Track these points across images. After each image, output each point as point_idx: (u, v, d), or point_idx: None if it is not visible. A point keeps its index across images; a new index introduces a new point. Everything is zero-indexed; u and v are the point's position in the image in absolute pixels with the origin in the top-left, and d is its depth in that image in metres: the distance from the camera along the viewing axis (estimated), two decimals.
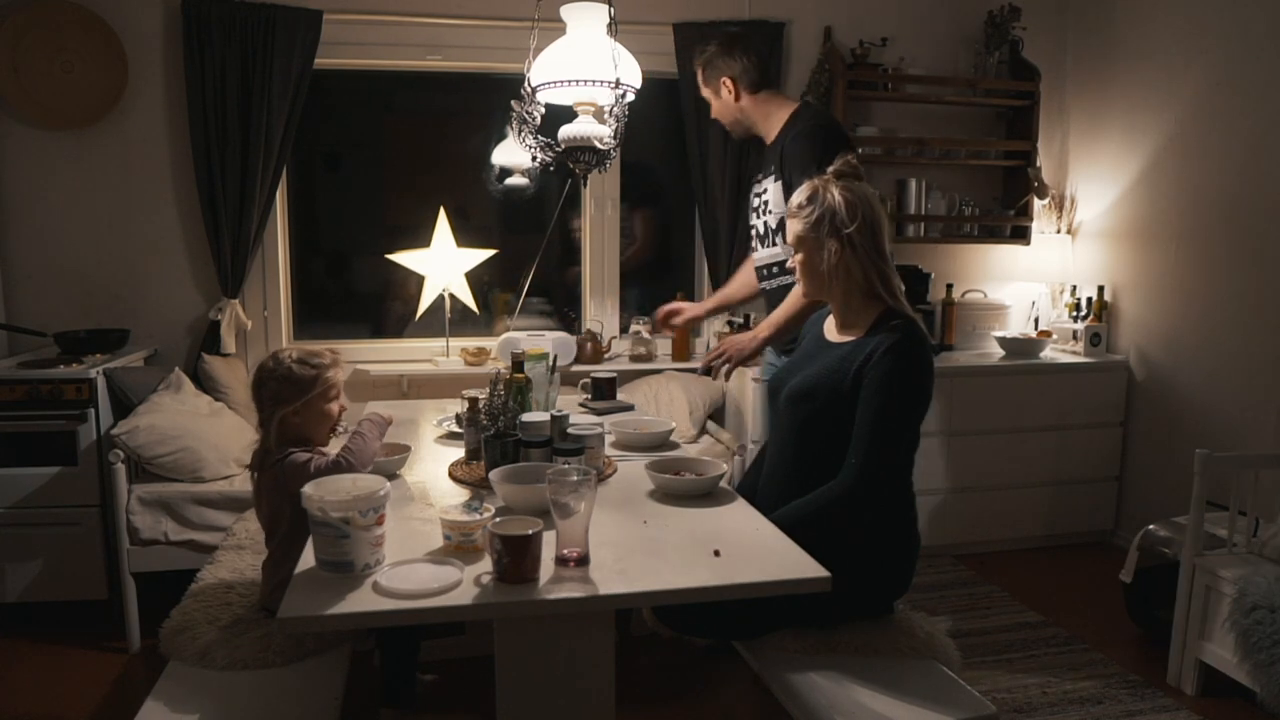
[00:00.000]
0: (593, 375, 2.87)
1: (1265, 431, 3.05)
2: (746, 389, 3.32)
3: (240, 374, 3.31)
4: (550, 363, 2.39)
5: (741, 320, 3.63)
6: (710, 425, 3.44)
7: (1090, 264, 3.87)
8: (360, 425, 1.88)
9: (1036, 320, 4.04)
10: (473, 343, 3.54)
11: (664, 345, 3.70)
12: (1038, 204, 3.91)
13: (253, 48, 3.17)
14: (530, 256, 3.63)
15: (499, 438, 1.90)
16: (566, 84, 1.98)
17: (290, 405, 1.84)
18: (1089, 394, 3.64)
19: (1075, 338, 3.78)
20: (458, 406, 2.47)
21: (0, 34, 3.03)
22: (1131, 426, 3.69)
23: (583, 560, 1.48)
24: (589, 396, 2.86)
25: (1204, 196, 3.31)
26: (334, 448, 1.87)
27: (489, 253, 3.57)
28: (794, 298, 2.31)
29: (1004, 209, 3.92)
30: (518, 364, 2.16)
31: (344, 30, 3.34)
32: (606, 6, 2.02)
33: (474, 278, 3.56)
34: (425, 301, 3.50)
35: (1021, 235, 3.91)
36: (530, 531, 1.40)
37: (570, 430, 1.97)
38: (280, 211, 3.49)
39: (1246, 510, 2.52)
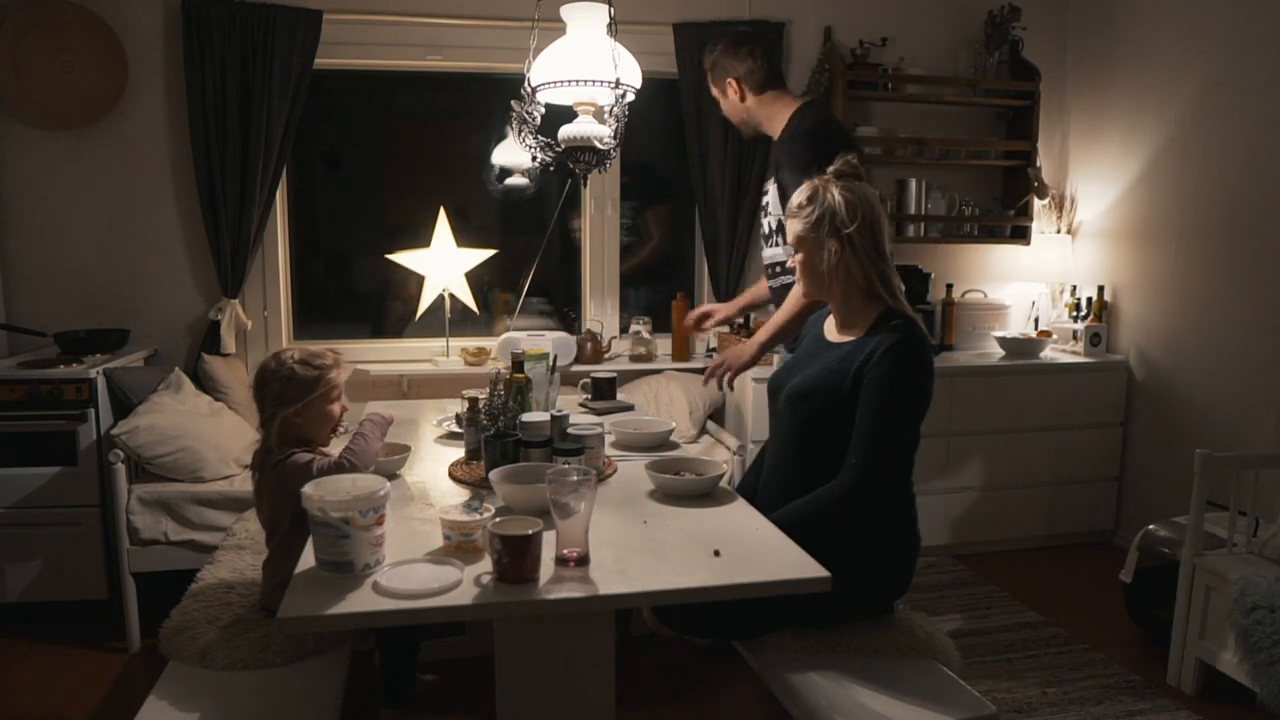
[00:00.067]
0: (593, 375, 2.87)
1: (1265, 431, 3.05)
2: (747, 389, 3.32)
3: (240, 374, 3.31)
4: (550, 363, 2.40)
5: (741, 321, 3.63)
6: (710, 425, 3.44)
7: (1090, 264, 3.87)
8: (362, 425, 1.88)
9: (1036, 320, 4.04)
10: (473, 343, 3.54)
11: (664, 345, 3.70)
12: (1038, 204, 3.91)
13: (253, 48, 3.17)
14: (530, 256, 3.64)
15: (499, 438, 1.90)
16: (566, 84, 1.98)
17: (292, 406, 1.84)
18: (1089, 394, 3.64)
19: (1075, 338, 3.78)
20: (458, 406, 2.47)
21: (0, 34, 3.03)
22: (1131, 426, 3.70)
23: (583, 560, 1.48)
24: (589, 396, 2.86)
25: (1204, 196, 3.31)
26: (335, 448, 1.87)
27: (489, 253, 3.57)
28: (792, 300, 2.32)
29: (1004, 209, 3.92)
30: (518, 364, 2.17)
31: (344, 30, 3.34)
32: (606, 6, 2.02)
33: (474, 278, 3.56)
34: (425, 301, 3.50)
35: (1021, 235, 3.91)
36: (530, 531, 1.40)
37: (570, 430, 1.97)
38: (280, 211, 3.48)
39: (1246, 510, 2.52)
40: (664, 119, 3.71)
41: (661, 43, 3.49)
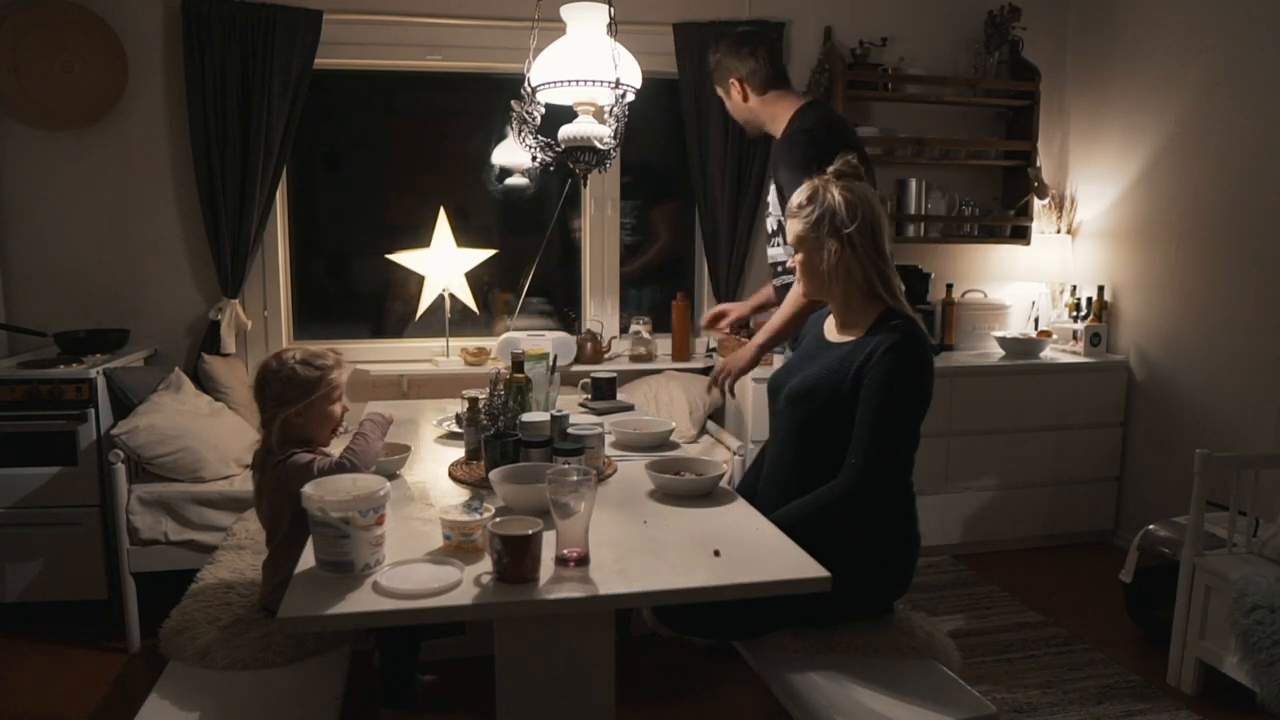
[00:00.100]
0: (593, 375, 2.87)
1: (1265, 431, 3.05)
2: (747, 389, 3.32)
3: (240, 374, 3.31)
4: (550, 363, 2.40)
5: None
6: (710, 425, 3.44)
7: (1090, 264, 3.87)
8: (362, 425, 1.88)
9: (1036, 320, 4.04)
10: (473, 343, 3.54)
11: (664, 345, 3.70)
12: (1038, 204, 3.91)
13: (253, 48, 3.17)
14: (530, 256, 3.64)
15: (499, 438, 1.90)
16: (566, 84, 1.98)
17: (294, 406, 1.84)
18: (1089, 394, 3.64)
19: (1075, 338, 3.78)
20: (458, 406, 2.47)
21: (0, 34, 3.03)
22: (1131, 426, 3.70)
23: (583, 560, 1.48)
24: (589, 396, 2.86)
25: (1204, 196, 3.31)
26: (336, 448, 1.87)
27: (489, 253, 3.57)
28: (789, 302, 2.32)
29: (1004, 209, 3.92)
30: (518, 364, 2.17)
31: (344, 30, 3.34)
32: (606, 6, 2.02)
33: (474, 278, 3.56)
34: (425, 301, 3.50)
35: (1021, 235, 3.91)
36: (530, 531, 1.40)
37: (570, 430, 1.97)
38: (280, 211, 3.48)
39: (1246, 510, 2.52)
40: (664, 119, 3.71)
41: (661, 43, 3.49)
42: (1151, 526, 2.78)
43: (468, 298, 3.53)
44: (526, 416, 1.95)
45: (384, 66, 3.53)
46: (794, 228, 1.88)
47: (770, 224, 2.55)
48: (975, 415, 3.52)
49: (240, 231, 3.26)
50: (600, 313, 3.78)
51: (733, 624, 1.83)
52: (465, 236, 3.55)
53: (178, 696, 1.65)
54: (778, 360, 3.10)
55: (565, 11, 2.05)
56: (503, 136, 3.15)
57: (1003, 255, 4.01)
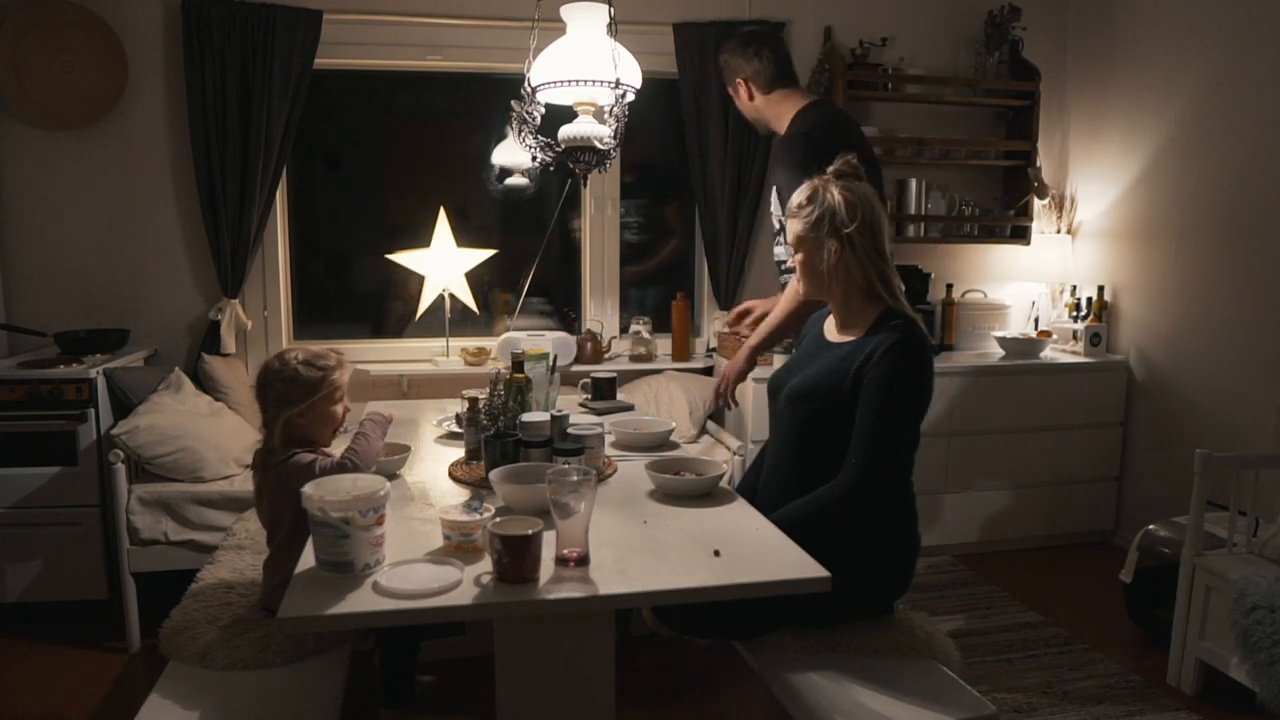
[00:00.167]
0: (593, 375, 2.87)
1: (1265, 431, 3.05)
2: (747, 389, 3.32)
3: (240, 374, 3.31)
4: (550, 363, 2.40)
5: (729, 321, 3.62)
6: (710, 425, 3.44)
7: (1090, 264, 3.87)
8: (363, 425, 1.88)
9: (1036, 320, 4.04)
10: (473, 343, 3.54)
11: (664, 345, 3.70)
12: (1038, 204, 3.91)
13: (253, 48, 3.17)
14: (530, 256, 3.64)
15: (499, 438, 1.90)
16: (566, 84, 1.98)
17: (296, 407, 1.84)
18: (1089, 394, 3.64)
19: (1075, 338, 3.78)
20: (458, 406, 2.47)
21: (0, 34, 3.03)
22: (1131, 426, 3.70)
23: (583, 560, 1.48)
24: (589, 396, 2.86)
25: (1204, 196, 3.31)
26: (337, 448, 1.87)
27: (489, 253, 3.57)
28: (784, 302, 2.33)
29: (1004, 209, 3.92)
30: (518, 364, 2.17)
31: (344, 30, 3.34)
32: (606, 6, 2.02)
33: (474, 278, 3.56)
34: (425, 301, 3.50)
35: (1021, 235, 3.91)
36: (530, 531, 1.40)
37: (570, 430, 1.97)
38: (280, 211, 3.48)
39: (1246, 510, 2.52)
40: (664, 119, 3.71)
41: (661, 43, 3.49)
42: (1151, 526, 2.78)
43: (468, 298, 3.53)
44: (526, 416, 1.95)
45: (384, 66, 3.53)
46: (794, 228, 1.88)
47: (773, 224, 2.56)
48: (975, 415, 3.52)
49: (240, 231, 3.26)
50: (600, 313, 3.78)
51: (733, 624, 1.83)
52: (465, 236, 3.55)
53: (178, 696, 1.65)
54: (778, 360, 3.10)
55: (565, 11, 2.05)
56: (503, 136, 3.15)
57: (1003, 255, 4.01)
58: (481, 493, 1.87)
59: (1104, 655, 2.74)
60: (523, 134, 2.08)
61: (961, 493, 3.55)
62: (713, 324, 3.77)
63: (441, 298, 3.49)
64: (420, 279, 3.50)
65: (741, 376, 2.50)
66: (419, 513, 1.77)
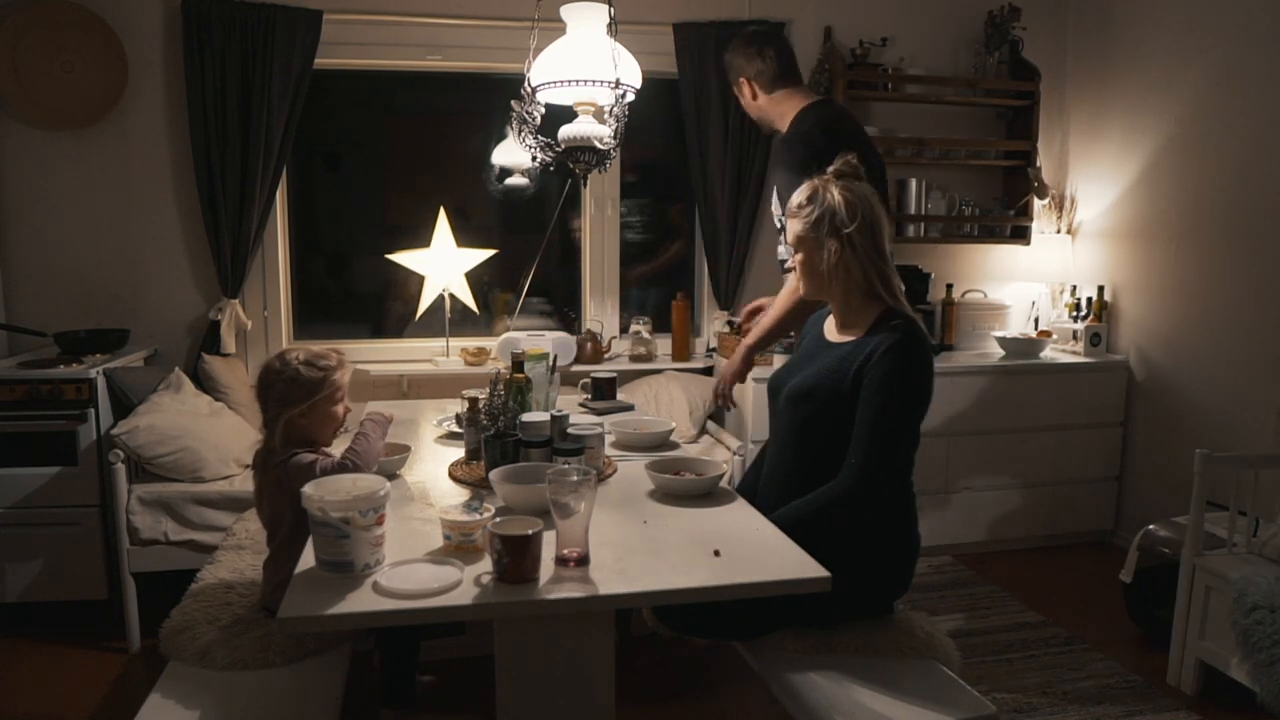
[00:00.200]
0: (593, 375, 2.87)
1: (1265, 431, 3.05)
2: (747, 389, 3.32)
3: (240, 374, 3.31)
4: (550, 363, 2.40)
5: (740, 320, 3.63)
6: (710, 425, 3.44)
7: (1090, 264, 3.87)
8: (363, 426, 1.88)
9: (1036, 320, 4.04)
10: (473, 343, 3.54)
11: (664, 345, 3.70)
12: (1038, 204, 3.91)
13: (253, 48, 3.16)
14: (530, 256, 3.64)
15: (499, 438, 1.90)
16: (566, 84, 1.98)
17: (297, 407, 1.84)
18: (1089, 394, 3.64)
19: (1075, 338, 3.78)
20: (458, 406, 2.47)
21: (0, 34, 3.03)
22: (1131, 426, 3.70)
23: (583, 560, 1.48)
24: (589, 396, 2.86)
25: (1204, 196, 3.31)
26: (338, 448, 1.87)
27: (489, 253, 3.57)
28: (780, 301, 2.34)
29: (1004, 209, 3.92)
30: (518, 364, 2.17)
31: (344, 30, 3.34)
32: (606, 6, 2.02)
33: (474, 278, 3.56)
34: (425, 301, 3.50)
35: (1021, 235, 3.91)
36: (530, 531, 1.40)
37: (570, 430, 1.97)
38: (280, 211, 3.48)
39: (1246, 510, 2.52)
40: (664, 119, 3.71)
41: (661, 43, 3.49)
42: (1151, 526, 2.78)
43: (468, 298, 3.53)
44: (526, 416, 1.95)
45: (384, 66, 3.53)
46: (794, 228, 1.88)
47: (776, 223, 2.56)
48: (975, 415, 3.52)
49: (240, 231, 3.26)
50: (600, 313, 3.78)
51: (733, 624, 1.83)
52: (465, 236, 3.55)
53: (178, 696, 1.65)
54: (778, 360, 3.10)
55: (565, 11, 2.05)
56: (503, 136, 3.15)
57: (1003, 255, 4.01)
58: (481, 493, 1.87)
59: (1104, 655, 2.74)
60: (523, 134, 2.08)
61: (961, 493, 3.55)
62: (713, 324, 3.77)
63: (441, 298, 3.49)
64: (420, 279, 3.50)
65: (739, 376, 2.51)
66: (419, 513, 1.77)
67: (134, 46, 3.22)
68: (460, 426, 2.29)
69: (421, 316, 3.55)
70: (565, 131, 2.02)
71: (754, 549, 1.59)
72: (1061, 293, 4.00)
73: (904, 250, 3.84)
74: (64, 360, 2.91)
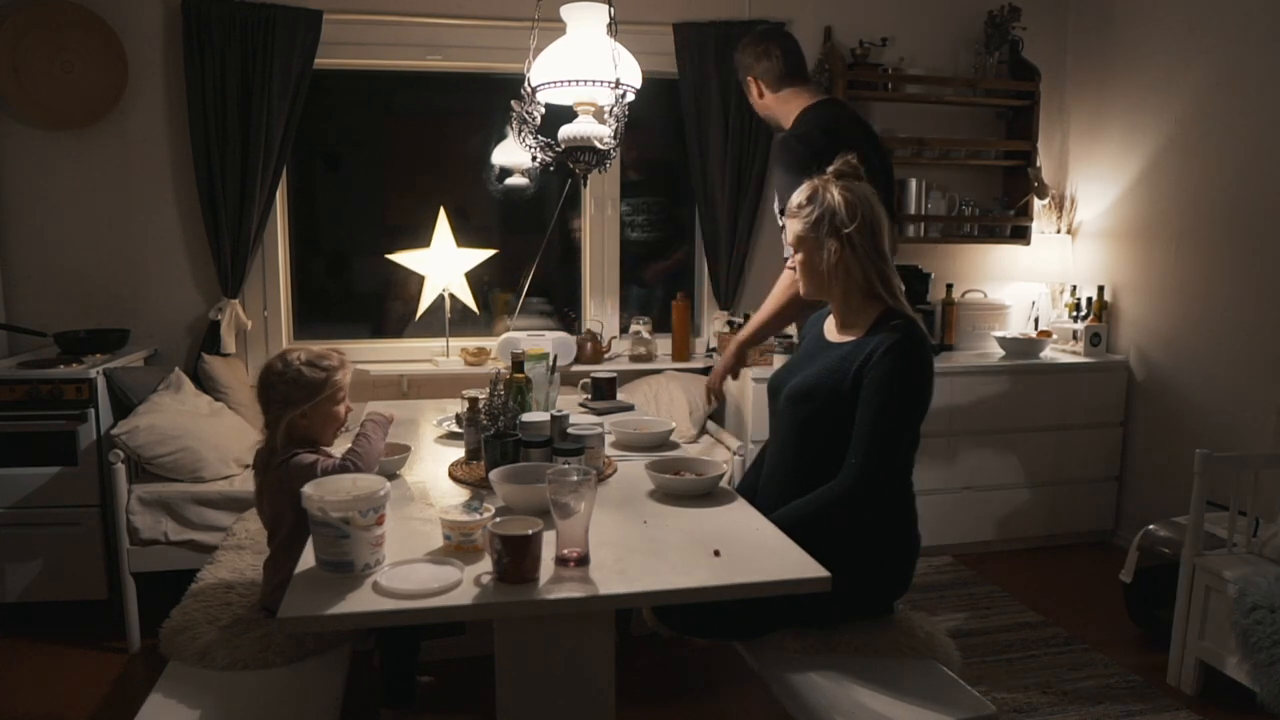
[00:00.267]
0: (593, 375, 2.87)
1: (1265, 431, 3.05)
2: (747, 389, 3.33)
3: (240, 374, 3.31)
4: (550, 363, 2.40)
5: (741, 320, 3.63)
6: (710, 425, 3.44)
7: (1090, 264, 3.87)
8: (364, 426, 1.88)
9: (1036, 320, 4.04)
10: (473, 343, 3.54)
11: (664, 345, 3.70)
12: (1038, 204, 3.91)
13: (253, 48, 3.17)
14: (530, 256, 3.64)
15: (499, 438, 1.90)
16: (566, 84, 1.98)
17: (299, 408, 1.83)
18: (1089, 394, 3.64)
19: (1075, 338, 3.78)
20: (458, 406, 2.47)
21: (0, 34, 3.03)
22: (1131, 426, 3.70)
23: (583, 560, 1.48)
24: (589, 396, 2.86)
25: (1204, 196, 3.31)
26: (339, 448, 1.87)
27: (489, 253, 3.57)
28: (773, 298, 2.35)
29: (1004, 209, 3.92)
30: (518, 364, 2.16)
31: (344, 30, 3.34)
32: (606, 6, 2.02)
33: (474, 278, 3.56)
34: (425, 301, 3.50)
35: (1021, 235, 3.91)
36: (530, 531, 1.40)
37: (570, 430, 1.97)
38: (280, 211, 3.48)
39: (1246, 510, 2.52)
40: (664, 119, 3.71)
41: (661, 43, 3.49)
42: (1151, 526, 2.78)
43: (468, 298, 3.53)
44: (526, 416, 1.95)
45: (384, 66, 3.53)
46: (794, 227, 1.88)
47: (780, 222, 2.56)
48: (975, 415, 3.52)
49: (240, 231, 3.26)
50: (600, 313, 3.78)
51: (733, 624, 1.83)
52: (465, 236, 3.55)
53: (178, 696, 1.65)
54: (778, 360, 3.10)
55: (565, 11, 2.05)
56: (503, 136, 3.15)
57: (1003, 255, 4.01)
58: (481, 493, 1.87)
59: (1104, 655, 2.74)
60: (523, 134, 2.08)
61: (961, 493, 3.55)
62: (713, 324, 3.77)
63: (441, 298, 3.49)
64: (420, 279, 3.50)
65: (728, 371, 2.51)
66: (419, 513, 1.77)
67: (134, 46, 3.22)
68: (460, 426, 2.29)
69: (421, 316, 3.55)
70: (565, 131, 2.02)
71: (754, 549, 1.59)
72: (1061, 293, 4.00)
73: (904, 250, 3.84)
74: (64, 360, 2.91)
